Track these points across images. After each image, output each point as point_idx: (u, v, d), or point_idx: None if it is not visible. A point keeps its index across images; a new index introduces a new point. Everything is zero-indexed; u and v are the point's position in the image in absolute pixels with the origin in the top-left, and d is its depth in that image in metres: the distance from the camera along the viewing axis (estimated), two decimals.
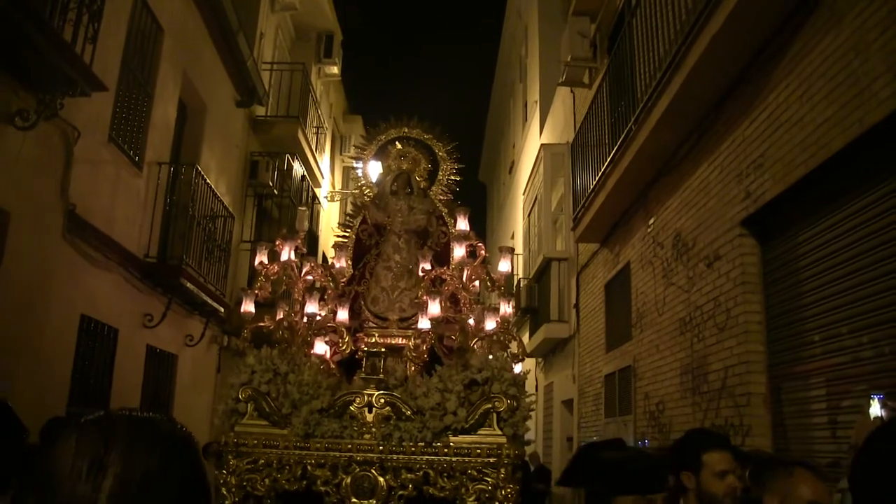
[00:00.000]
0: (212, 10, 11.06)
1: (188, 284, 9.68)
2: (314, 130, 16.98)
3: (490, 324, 5.48)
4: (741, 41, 5.82)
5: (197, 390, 11.38)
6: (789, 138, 5.34)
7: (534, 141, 17.44)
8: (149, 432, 1.09)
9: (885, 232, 4.41)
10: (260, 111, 14.40)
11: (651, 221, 8.69)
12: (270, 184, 13.78)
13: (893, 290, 4.32)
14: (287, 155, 14.52)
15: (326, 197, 19.69)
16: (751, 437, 5.75)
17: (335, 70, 19.68)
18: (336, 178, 21.77)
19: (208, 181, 10.73)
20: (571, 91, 13.38)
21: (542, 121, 16.67)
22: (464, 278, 5.76)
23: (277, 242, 5.90)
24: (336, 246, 6.44)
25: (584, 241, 11.63)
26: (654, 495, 2.83)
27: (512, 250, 6.37)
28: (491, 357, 5.20)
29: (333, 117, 21.78)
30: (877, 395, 4.05)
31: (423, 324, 5.54)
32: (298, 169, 15.26)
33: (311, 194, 16.83)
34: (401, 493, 4.78)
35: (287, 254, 5.82)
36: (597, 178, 9.80)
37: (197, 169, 10.33)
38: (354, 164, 7.14)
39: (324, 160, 18.67)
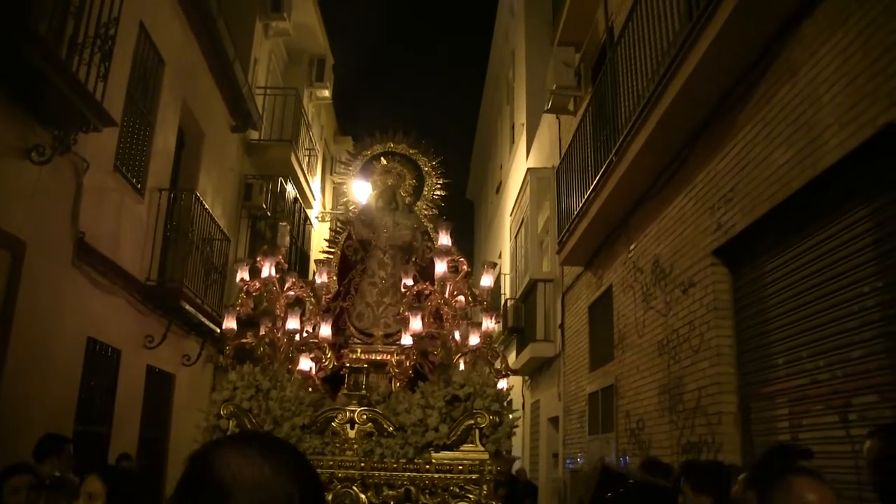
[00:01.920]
0: (210, 40, 11.39)
1: (187, 306, 9.95)
2: (306, 153, 17.24)
3: (473, 339, 5.45)
4: (714, 82, 6.13)
5: (193, 409, 11.52)
6: (756, 175, 5.68)
7: (521, 163, 17.71)
8: (276, 441, 1.32)
9: (838, 265, 4.77)
10: (254, 135, 14.67)
11: (632, 247, 8.99)
12: (264, 206, 14.03)
13: (844, 319, 4.67)
14: (280, 178, 14.80)
15: (317, 217, 19.95)
16: (722, 453, 6.04)
17: (326, 93, 20.01)
18: (327, 198, 22.04)
19: (205, 205, 11.01)
20: (557, 117, 13.64)
21: (529, 143, 16.92)
22: (446, 293, 5.75)
23: (259, 258, 5.89)
24: (319, 261, 6.45)
25: (569, 263, 11.88)
26: None
27: (495, 265, 6.34)
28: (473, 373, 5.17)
29: (324, 139, 22.08)
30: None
31: (406, 340, 5.53)
32: (291, 191, 15.54)
33: (303, 215, 17.11)
34: None
35: (268, 270, 5.79)
36: (580, 205, 10.07)
37: (195, 195, 10.61)
38: (336, 181, 7.21)
39: (315, 181, 18.97)
